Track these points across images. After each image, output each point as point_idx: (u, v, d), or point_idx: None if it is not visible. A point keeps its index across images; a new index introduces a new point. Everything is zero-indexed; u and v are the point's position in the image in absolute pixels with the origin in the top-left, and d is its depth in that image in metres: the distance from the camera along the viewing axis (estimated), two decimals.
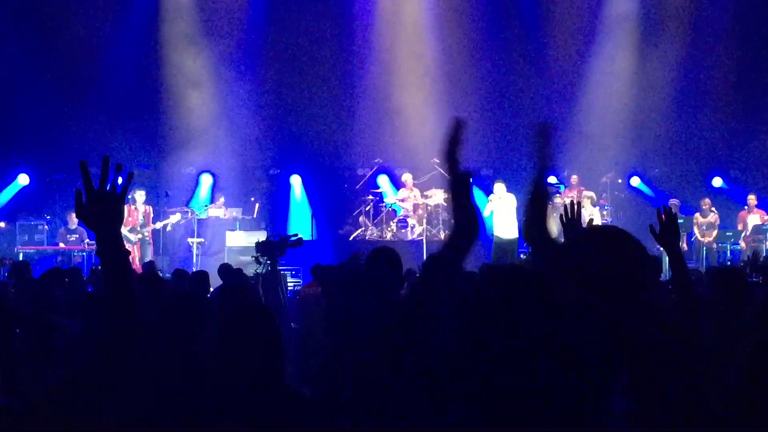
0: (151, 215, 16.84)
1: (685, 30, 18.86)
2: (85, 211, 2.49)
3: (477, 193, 19.27)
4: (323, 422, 3.00)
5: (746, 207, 17.11)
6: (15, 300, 6.63)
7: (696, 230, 17.02)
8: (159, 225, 16.86)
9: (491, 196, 16.12)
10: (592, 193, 17.27)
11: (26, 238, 16.54)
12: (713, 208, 17.21)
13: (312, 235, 18.37)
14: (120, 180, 2.53)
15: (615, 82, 19.10)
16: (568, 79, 19.40)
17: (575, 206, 4.40)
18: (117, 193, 2.50)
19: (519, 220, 15.85)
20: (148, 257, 15.78)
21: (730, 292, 5.08)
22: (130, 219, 16.17)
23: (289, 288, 12.64)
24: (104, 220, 2.49)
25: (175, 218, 17.12)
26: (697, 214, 17.15)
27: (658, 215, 3.80)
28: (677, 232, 3.76)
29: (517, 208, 15.95)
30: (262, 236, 11.82)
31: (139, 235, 16.38)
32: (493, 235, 15.66)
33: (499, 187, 16.02)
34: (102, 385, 2.50)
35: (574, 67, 19.39)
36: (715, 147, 19.21)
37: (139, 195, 16.70)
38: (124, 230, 15.52)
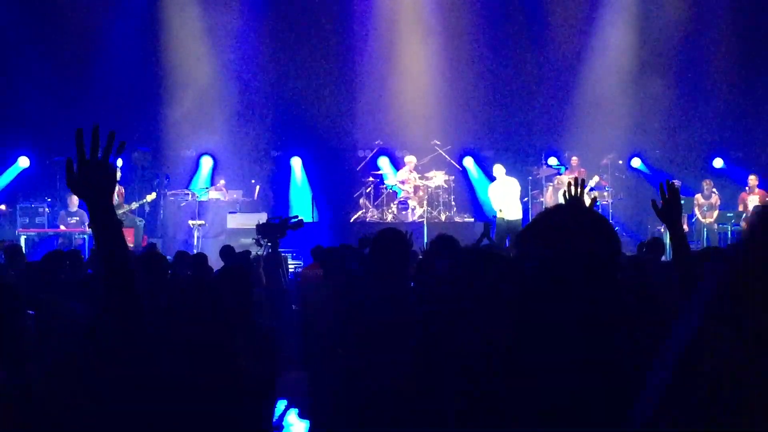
0: (122, 196, 16.72)
1: (686, 10, 18.78)
2: (76, 179, 2.48)
3: (478, 174, 19.28)
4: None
5: (747, 188, 17.10)
6: (15, 282, 6.63)
7: (697, 211, 17.01)
8: (135, 205, 16.76)
9: (494, 183, 16.09)
10: (596, 178, 17.22)
11: (27, 220, 16.53)
12: (714, 189, 17.20)
13: (312, 216, 18.38)
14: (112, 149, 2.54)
15: (615, 62, 19.04)
16: (568, 61, 19.34)
17: (579, 182, 4.45)
18: (108, 161, 2.49)
19: (522, 202, 15.89)
20: (135, 238, 15.71)
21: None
22: None
23: (290, 270, 12.65)
24: (96, 188, 2.49)
25: (150, 197, 17.02)
26: (698, 195, 17.14)
27: (661, 190, 3.77)
28: (680, 206, 3.74)
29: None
30: (262, 218, 11.81)
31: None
32: (495, 216, 15.64)
33: (499, 170, 16.00)
34: (97, 364, 2.51)
35: (574, 48, 19.31)
36: (716, 128, 19.16)
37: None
38: None
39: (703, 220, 16.91)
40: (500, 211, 15.40)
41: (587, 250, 2.09)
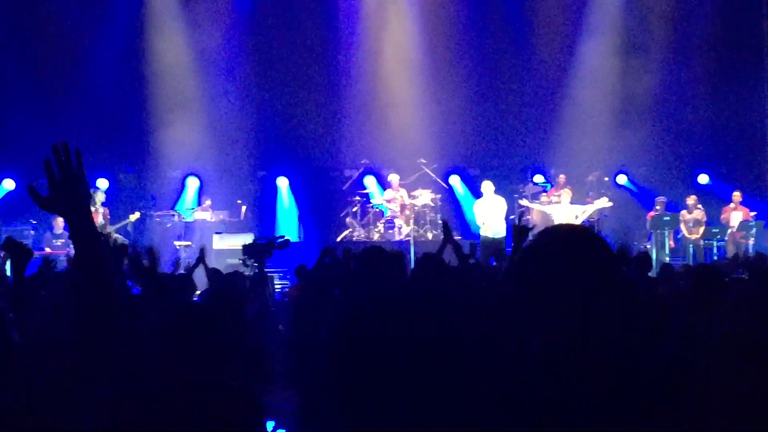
0: (109, 217, 16.70)
1: (670, 27, 18.92)
2: (47, 200, 2.51)
3: (465, 193, 19.31)
4: None
5: (731, 204, 17.19)
6: None
7: (683, 227, 17.07)
8: (118, 225, 16.73)
9: (480, 200, 16.16)
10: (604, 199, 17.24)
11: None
12: (699, 205, 17.27)
13: (299, 236, 18.34)
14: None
15: (600, 80, 19.13)
16: (554, 78, 19.43)
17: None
18: (78, 174, 2.52)
19: (507, 221, 15.91)
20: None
21: (705, 289, 5.43)
22: None
23: (276, 290, 12.61)
24: (71, 201, 2.52)
25: (134, 217, 17.01)
26: (684, 211, 17.19)
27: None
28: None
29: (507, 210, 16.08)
30: (249, 239, 11.77)
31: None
32: (479, 234, 15.67)
33: (487, 187, 16.05)
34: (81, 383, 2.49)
35: (559, 65, 19.42)
36: (701, 144, 19.26)
37: (99, 196, 16.56)
38: None
39: (689, 236, 16.96)
40: (483, 224, 15.45)
41: (592, 268, 2.12)
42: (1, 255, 9.97)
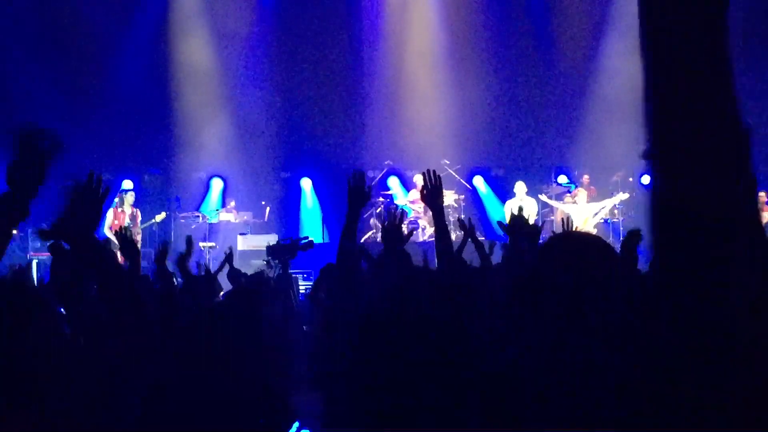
0: (139, 218, 16.80)
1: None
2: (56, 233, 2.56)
3: (488, 193, 19.26)
4: None
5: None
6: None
7: None
8: (144, 225, 16.86)
9: (512, 200, 16.18)
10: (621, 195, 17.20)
11: (38, 244, 16.54)
12: None
13: (323, 237, 18.37)
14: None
15: (625, 78, 19.01)
16: (578, 77, 19.35)
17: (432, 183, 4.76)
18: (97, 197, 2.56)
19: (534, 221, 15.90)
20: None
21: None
22: (116, 222, 16.08)
23: (300, 291, 12.64)
24: (80, 228, 2.55)
25: (159, 217, 17.12)
26: None
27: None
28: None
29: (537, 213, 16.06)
30: (273, 240, 11.81)
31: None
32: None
33: (520, 187, 16.11)
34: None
35: (584, 64, 19.32)
36: None
37: (129, 196, 16.65)
38: (109, 233, 15.58)
39: None
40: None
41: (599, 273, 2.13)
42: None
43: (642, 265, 5.11)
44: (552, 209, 17.59)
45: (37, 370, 2.71)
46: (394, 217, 4.84)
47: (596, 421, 2.00)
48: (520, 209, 4.88)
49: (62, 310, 3.14)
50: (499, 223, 5.63)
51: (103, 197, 2.58)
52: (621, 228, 17.21)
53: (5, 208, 2.59)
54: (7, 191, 2.64)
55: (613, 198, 17.08)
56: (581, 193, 16.88)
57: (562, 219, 4.77)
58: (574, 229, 4.91)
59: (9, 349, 2.66)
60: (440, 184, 4.56)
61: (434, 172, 4.59)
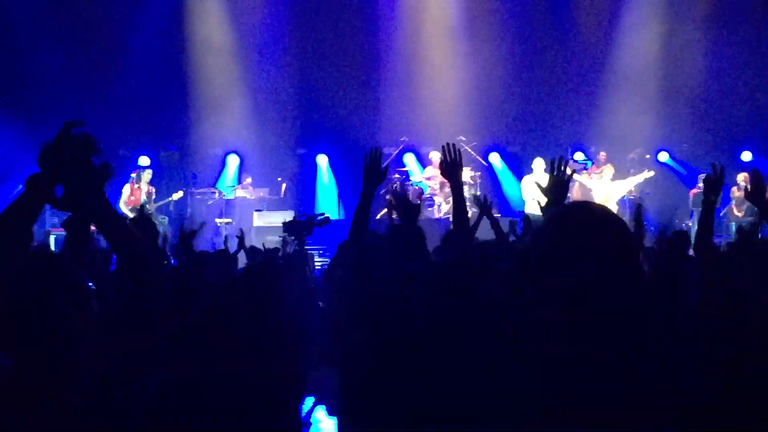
0: (153, 196, 16.93)
1: (713, 3, 18.60)
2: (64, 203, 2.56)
3: (504, 170, 19.21)
4: None
5: None
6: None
7: (733, 204, 16.70)
8: (161, 203, 17.01)
9: (530, 175, 16.11)
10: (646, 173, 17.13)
11: (56, 220, 16.63)
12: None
13: (339, 214, 18.39)
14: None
15: (641, 56, 18.89)
16: (595, 55, 19.22)
17: (560, 162, 4.50)
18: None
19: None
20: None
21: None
22: (132, 198, 16.37)
23: (316, 267, 12.67)
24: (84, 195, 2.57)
25: (176, 195, 17.25)
26: (734, 188, 16.66)
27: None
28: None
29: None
30: (289, 216, 11.84)
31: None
32: (523, 211, 15.59)
33: (538, 164, 16.03)
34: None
35: (600, 41, 19.19)
36: (744, 121, 18.90)
37: (146, 174, 16.86)
38: (125, 209, 15.75)
39: (737, 214, 16.59)
40: (533, 199, 15.38)
41: (602, 246, 2.11)
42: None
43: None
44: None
45: (67, 345, 2.75)
46: (397, 193, 4.81)
47: (603, 397, 1.99)
48: (562, 176, 4.52)
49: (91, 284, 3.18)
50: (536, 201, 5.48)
51: (88, 149, 2.59)
52: (639, 205, 17.07)
53: (34, 189, 2.61)
54: (38, 174, 2.66)
55: (638, 176, 16.98)
56: (607, 170, 16.76)
57: (552, 161, 4.57)
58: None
59: (45, 320, 2.70)
60: (460, 158, 4.48)
61: (453, 145, 4.52)
